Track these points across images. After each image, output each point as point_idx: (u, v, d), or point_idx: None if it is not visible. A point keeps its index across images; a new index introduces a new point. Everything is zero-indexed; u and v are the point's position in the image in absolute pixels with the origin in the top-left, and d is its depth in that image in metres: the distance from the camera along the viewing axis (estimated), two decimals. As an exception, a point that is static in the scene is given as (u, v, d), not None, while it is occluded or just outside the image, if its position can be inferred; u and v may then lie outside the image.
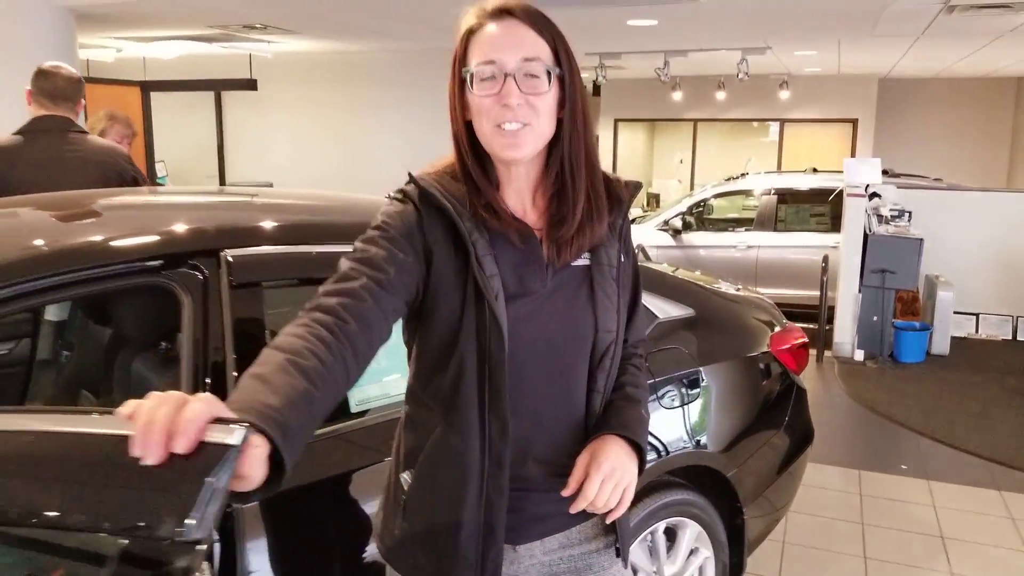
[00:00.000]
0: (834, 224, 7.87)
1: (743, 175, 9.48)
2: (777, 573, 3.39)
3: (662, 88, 12.06)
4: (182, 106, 11.69)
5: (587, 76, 10.73)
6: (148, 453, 0.86)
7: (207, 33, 8.63)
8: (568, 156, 1.38)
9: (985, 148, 14.39)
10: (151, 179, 7.77)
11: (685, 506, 2.50)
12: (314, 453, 1.64)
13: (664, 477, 2.49)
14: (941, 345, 6.83)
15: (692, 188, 14.59)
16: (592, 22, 7.45)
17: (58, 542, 1.01)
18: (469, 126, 1.37)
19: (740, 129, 15.93)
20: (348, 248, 1.35)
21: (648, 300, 2.58)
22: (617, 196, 1.46)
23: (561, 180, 1.39)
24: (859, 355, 6.74)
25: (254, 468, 0.95)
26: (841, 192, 7.23)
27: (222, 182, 12.01)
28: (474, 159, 1.38)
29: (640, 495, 2.35)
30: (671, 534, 2.54)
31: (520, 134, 1.31)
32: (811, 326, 6.60)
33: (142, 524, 0.89)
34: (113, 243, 1.76)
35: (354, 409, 1.96)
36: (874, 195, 6.93)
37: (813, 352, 6.36)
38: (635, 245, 1.58)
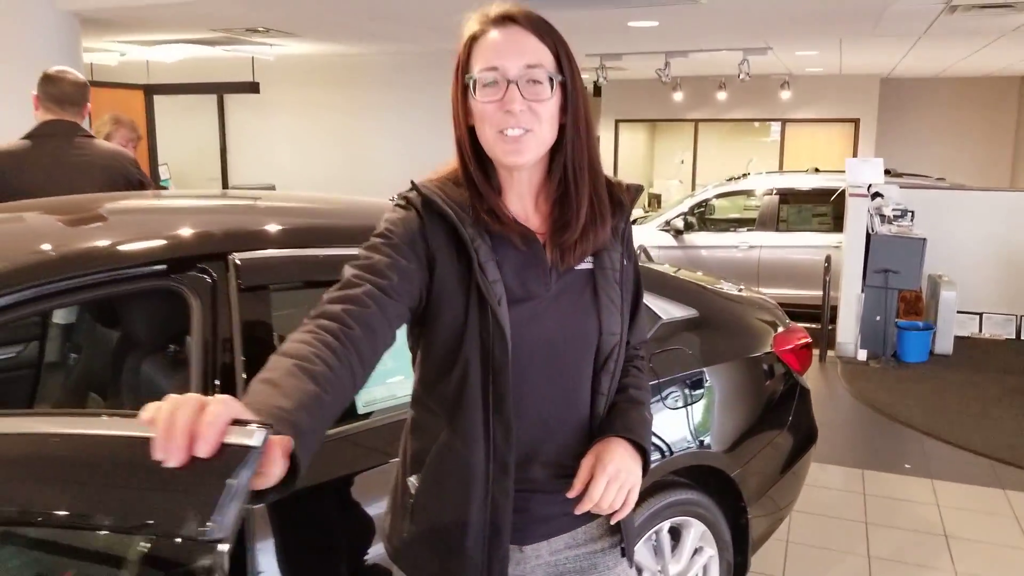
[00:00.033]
0: (836, 224, 7.88)
1: (744, 175, 9.49)
2: (781, 572, 3.40)
3: (663, 88, 12.07)
4: (185, 109, 11.72)
5: (588, 77, 10.74)
6: (170, 456, 0.87)
7: (210, 36, 8.65)
8: (571, 161, 1.39)
9: (988, 147, 14.38)
10: (155, 182, 7.79)
11: (689, 506, 2.52)
12: (322, 454, 1.65)
13: (669, 477, 2.50)
14: (944, 345, 6.84)
15: (693, 188, 14.60)
16: (593, 23, 7.45)
17: (72, 543, 1.03)
18: (472, 131, 1.38)
19: (741, 129, 15.92)
20: (354, 251, 1.36)
21: (652, 301, 2.59)
22: (619, 200, 1.47)
23: (564, 185, 1.40)
24: (862, 355, 6.74)
25: (274, 466, 0.96)
26: (843, 192, 7.24)
27: (224, 184, 12.03)
28: (476, 164, 1.39)
29: (645, 495, 2.36)
30: (676, 533, 2.56)
31: (523, 140, 1.32)
32: (814, 326, 6.60)
33: (165, 524, 0.91)
34: (123, 247, 1.77)
35: (361, 411, 1.97)
36: (876, 195, 6.95)
37: (816, 352, 6.36)
38: (637, 246, 1.59)
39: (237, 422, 0.91)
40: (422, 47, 9.61)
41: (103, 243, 1.78)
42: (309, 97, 11.38)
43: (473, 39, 1.36)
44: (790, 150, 15.10)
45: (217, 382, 1.73)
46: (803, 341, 3.04)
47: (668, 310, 2.68)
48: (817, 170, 9.04)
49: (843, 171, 7.23)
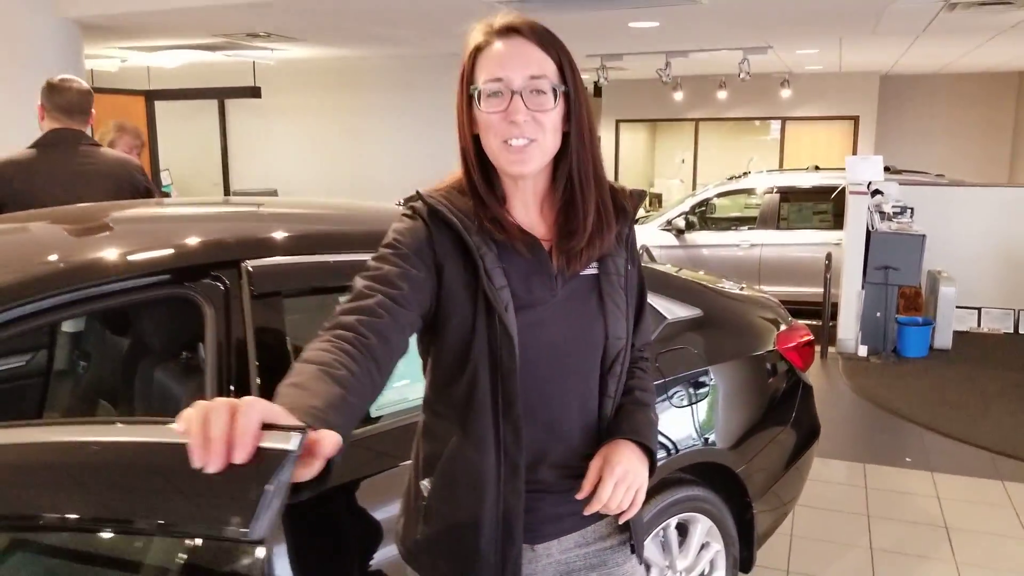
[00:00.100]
0: (836, 221, 7.90)
1: (745, 174, 9.49)
2: (786, 566, 3.43)
3: (663, 88, 12.06)
4: (186, 114, 11.72)
5: (588, 77, 10.73)
6: (209, 463, 0.89)
7: (211, 42, 8.64)
8: (576, 170, 1.41)
9: (986, 144, 14.37)
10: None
11: (696, 502, 2.55)
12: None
13: (675, 474, 2.53)
14: (944, 340, 6.87)
15: (694, 188, 14.60)
16: (594, 25, 7.46)
17: (110, 550, 1.06)
18: (476, 140, 1.40)
19: (742, 128, 15.92)
20: (364, 257, 1.39)
21: (657, 301, 2.62)
22: (622, 206, 1.50)
23: (570, 193, 1.42)
24: (863, 351, 6.77)
25: (314, 464, 0.98)
26: (843, 190, 7.26)
27: (226, 190, 12.02)
28: (480, 173, 1.41)
29: (652, 492, 2.38)
30: (683, 529, 2.59)
31: (527, 150, 1.35)
32: (815, 323, 6.63)
33: (207, 527, 0.94)
34: (137, 256, 1.80)
35: (371, 415, 2.00)
36: (876, 192, 6.97)
37: (817, 349, 6.39)
38: (639, 246, 1.62)
39: (271, 426, 0.93)
40: (423, 51, 9.61)
41: (118, 252, 1.80)
42: (311, 101, 11.38)
43: (477, 50, 1.38)
44: (790, 148, 15.10)
45: (232, 388, 1.75)
46: (805, 338, 3.06)
47: (673, 310, 2.70)
48: (817, 168, 9.06)
49: (843, 169, 7.25)
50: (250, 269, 1.83)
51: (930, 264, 7.10)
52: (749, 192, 8.94)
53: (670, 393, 2.50)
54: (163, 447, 0.97)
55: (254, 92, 10.22)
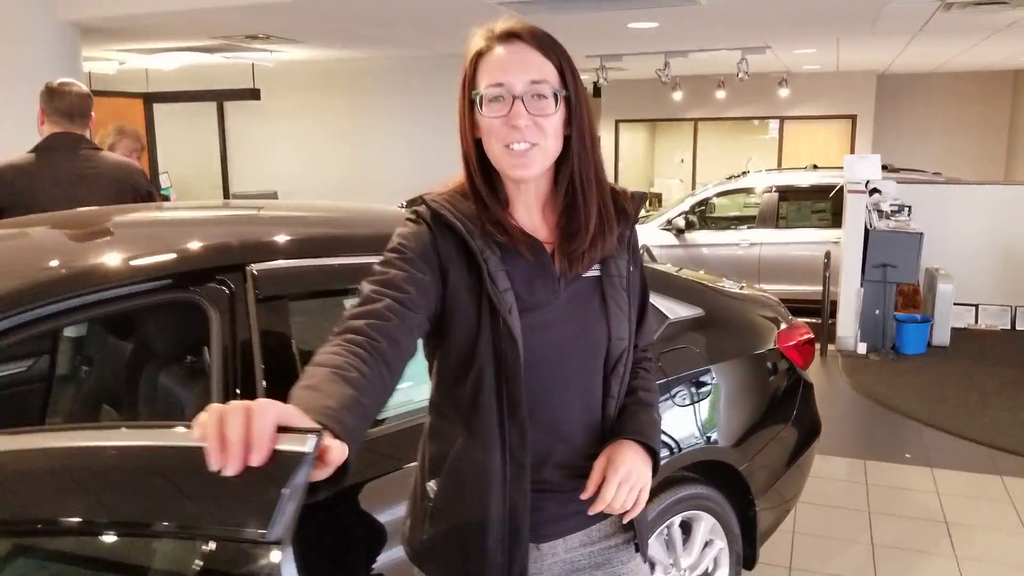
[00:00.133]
0: (835, 220, 7.92)
1: (744, 173, 9.52)
2: (788, 562, 3.45)
3: (662, 88, 12.09)
4: (185, 117, 11.70)
5: (588, 78, 10.74)
6: (227, 466, 0.90)
7: (210, 44, 8.63)
8: (578, 173, 1.43)
9: (982, 142, 14.40)
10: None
11: (699, 500, 2.57)
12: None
13: (679, 472, 2.54)
14: (942, 336, 6.89)
15: (694, 187, 14.61)
16: (593, 25, 7.47)
17: (129, 555, 1.07)
18: (479, 145, 1.42)
19: (740, 128, 15.94)
20: (369, 260, 1.40)
21: (659, 301, 2.63)
22: (623, 208, 1.51)
23: (571, 196, 1.44)
24: (862, 348, 6.79)
25: (325, 468, 0.99)
26: (842, 188, 7.29)
27: (226, 192, 12.00)
28: (483, 177, 1.43)
29: (656, 490, 2.39)
30: (687, 527, 2.60)
31: (528, 154, 1.36)
32: (814, 321, 6.65)
33: (226, 529, 0.95)
34: (141, 261, 1.80)
35: (379, 416, 2.00)
36: (874, 191, 6.99)
37: (817, 346, 6.40)
38: (640, 246, 1.63)
39: (287, 428, 0.94)
40: (423, 52, 9.61)
41: (121, 257, 1.80)
42: (310, 103, 11.37)
43: (479, 55, 1.39)
44: (789, 148, 15.12)
45: (237, 392, 1.75)
46: (805, 337, 3.08)
47: (675, 310, 2.71)
48: (816, 167, 9.08)
49: (841, 168, 7.27)
50: (255, 273, 1.84)
51: (928, 262, 7.12)
52: (748, 191, 8.96)
53: (673, 392, 2.51)
54: (179, 451, 0.98)
55: (253, 94, 10.22)
